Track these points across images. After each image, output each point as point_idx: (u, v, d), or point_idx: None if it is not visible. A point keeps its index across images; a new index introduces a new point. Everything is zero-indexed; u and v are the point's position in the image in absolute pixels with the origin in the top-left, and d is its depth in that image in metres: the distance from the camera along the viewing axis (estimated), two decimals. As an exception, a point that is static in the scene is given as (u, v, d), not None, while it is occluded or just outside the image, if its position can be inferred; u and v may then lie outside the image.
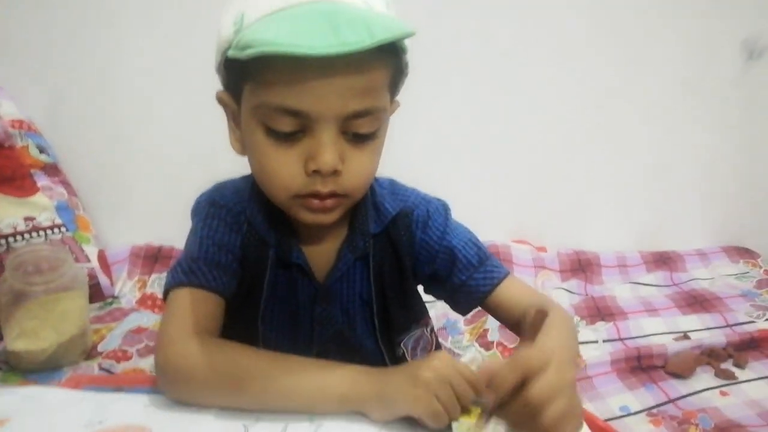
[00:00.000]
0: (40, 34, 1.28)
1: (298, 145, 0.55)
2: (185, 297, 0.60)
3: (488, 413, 0.51)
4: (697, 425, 0.99)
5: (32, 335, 1.05)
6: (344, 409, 0.54)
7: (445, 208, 0.72)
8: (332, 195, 0.57)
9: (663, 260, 1.63)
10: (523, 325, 0.65)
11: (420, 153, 1.44)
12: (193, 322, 0.58)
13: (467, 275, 0.68)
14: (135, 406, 0.57)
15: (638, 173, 1.66)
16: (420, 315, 0.75)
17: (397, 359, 0.71)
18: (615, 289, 1.50)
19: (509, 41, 1.47)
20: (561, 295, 1.45)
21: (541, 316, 0.61)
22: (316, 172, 0.55)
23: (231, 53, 0.52)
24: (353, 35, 0.48)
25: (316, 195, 0.57)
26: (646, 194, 1.68)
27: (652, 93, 1.59)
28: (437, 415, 0.50)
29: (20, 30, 1.28)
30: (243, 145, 0.61)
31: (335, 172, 0.55)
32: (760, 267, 1.63)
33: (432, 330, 0.79)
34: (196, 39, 1.29)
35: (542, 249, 1.59)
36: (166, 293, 0.62)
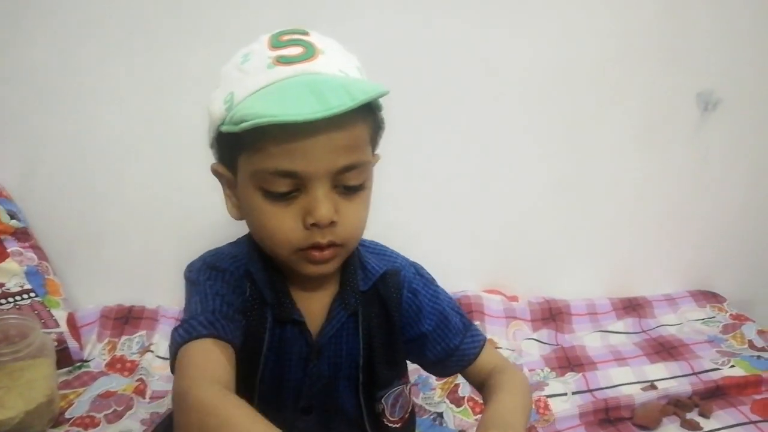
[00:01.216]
0: (12, 101, 1.30)
1: (295, 203, 0.61)
2: (205, 347, 0.59)
3: None
4: (662, 479, 1.00)
5: (-2, 405, 1.04)
6: None
7: (428, 274, 0.79)
8: (331, 245, 0.62)
9: (632, 306, 1.65)
10: (486, 387, 0.70)
11: (392, 205, 1.46)
12: (209, 373, 0.57)
13: (459, 339, 0.74)
14: None
15: (607, 221, 1.69)
16: (402, 371, 0.78)
17: (376, 415, 0.73)
18: (585, 338, 1.51)
19: (478, 96, 1.52)
20: (532, 345, 1.46)
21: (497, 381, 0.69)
22: (315, 225, 0.60)
23: (225, 128, 0.59)
24: (336, 99, 0.54)
25: (316, 246, 0.62)
26: (614, 242, 1.72)
27: (615, 145, 1.64)
28: None
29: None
30: (240, 211, 0.67)
31: (332, 224, 0.61)
32: (726, 311, 1.66)
33: (410, 389, 0.81)
34: (170, 106, 1.34)
35: (514, 298, 1.61)
36: (177, 349, 0.61)
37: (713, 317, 1.63)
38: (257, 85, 0.58)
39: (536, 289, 1.66)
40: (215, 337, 0.60)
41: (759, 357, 1.41)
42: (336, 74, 0.60)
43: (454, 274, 1.64)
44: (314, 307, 0.70)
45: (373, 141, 0.66)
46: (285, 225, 0.61)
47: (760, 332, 1.53)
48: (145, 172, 1.40)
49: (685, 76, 1.62)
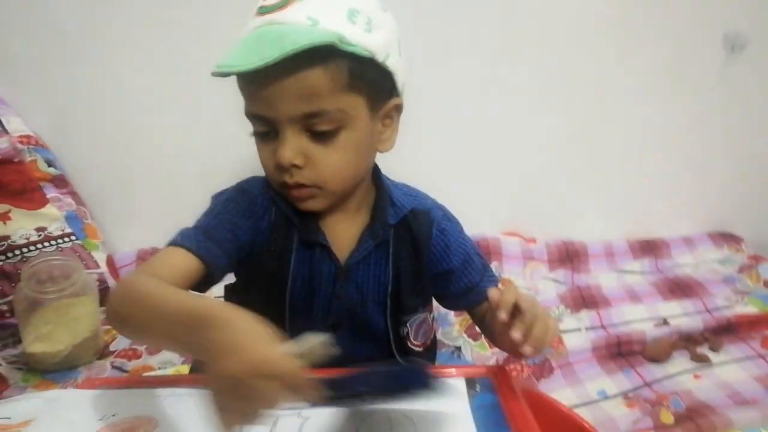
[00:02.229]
0: (44, 52, 1.34)
1: (272, 142, 0.66)
2: (172, 253, 0.67)
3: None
4: (668, 407, 1.05)
5: (48, 339, 1.13)
6: (184, 329, 0.50)
7: (454, 217, 0.83)
8: (301, 186, 0.67)
9: (649, 247, 1.67)
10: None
11: (416, 151, 1.48)
12: (154, 270, 0.65)
13: (480, 277, 0.80)
14: (144, 400, 0.63)
15: (627, 165, 1.71)
16: (427, 300, 0.84)
17: (401, 337, 0.80)
18: (600, 277, 1.56)
19: (498, 42, 1.52)
20: (548, 285, 1.51)
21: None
22: (279, 165, 0.66)
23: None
24: (268, 51, 0.58)
25: (287, 186, 0.68)
26: (633, 184, 1.73)
27: (637, 86, 1.63)
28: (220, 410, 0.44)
29: (24, 49, 1.33)
30: None
31: (295, 166, 0.65)
32: (744, 252, 1.68)
33: (433, 318, 0.88)
34: (198, 51, 1.36)
35: (532, 240, 1.65)
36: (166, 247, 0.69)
37: (730, 258, 1.65)
38: (240, 35, 0.65)
39: (555, 233, 1.69)
40: (188, 250, 0.67)
41: (773, 295, 1.44)
42: (298, 22, 0.61)
43: (474, 218, 1.67)
44: (344, 234, 0.75)
45: (357, 86, 0.65)
46: (267, 161, 0.68)
47: (776, 271, 1.55)
48: (170, 120, 1.44)
49: (713, 16, 1.58)
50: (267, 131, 0.66)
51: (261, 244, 0.73)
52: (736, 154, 1.73)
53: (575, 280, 1.55)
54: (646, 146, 1.70)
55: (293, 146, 0.65)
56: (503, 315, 0.60)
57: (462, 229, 0.83)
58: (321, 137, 0.65)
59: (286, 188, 0.69)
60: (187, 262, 0.67)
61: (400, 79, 0.70)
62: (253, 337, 0.45)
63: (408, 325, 0.80)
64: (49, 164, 1.34)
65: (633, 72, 1.61)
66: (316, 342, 0.48)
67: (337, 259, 0.74)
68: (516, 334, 0.60)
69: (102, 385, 0.69)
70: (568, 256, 1.61)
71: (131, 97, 1.41)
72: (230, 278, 0.80)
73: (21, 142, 1.31)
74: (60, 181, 1.36)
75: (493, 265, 1.53)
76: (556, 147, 1.65)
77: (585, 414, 1.04)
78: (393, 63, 0.67)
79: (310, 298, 0.75)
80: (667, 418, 1.01)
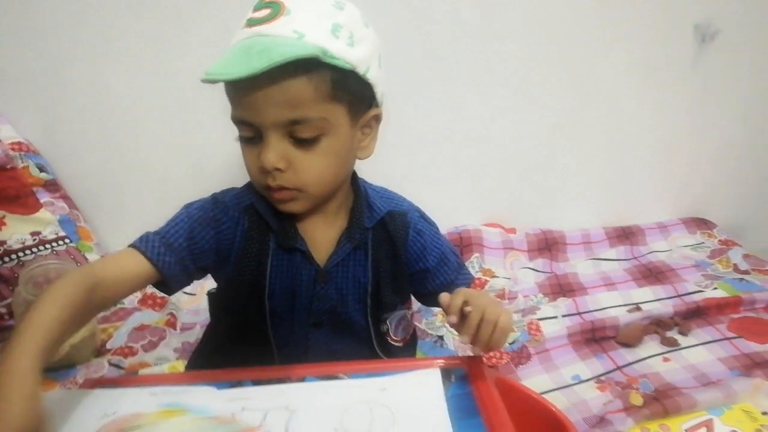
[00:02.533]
0: (33, 59, 1.37)
1: (257, 147, 0.70)
2: (127, 255, 0.72)
3: None
4: (638, 389, 1.11)
5: (47, 339, 1.17)
6: None
7: (430, 218, 0.88)
8: (283, 189, 0.71)
9: (625, 235, 1.74)
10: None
11: (400, 147, 1.53)
12: (101, 267, 0.69)
13: (455, 275, 0.86)
14: (143, 397, 0.66)
15: (604, 154, 1.76)
16: (406, 298, 0.89)
17: (381, 334, 0.85)
18: (578, 265, 1.62)
19: (479, 35, 1.56)
20: (527, 274, 1.57)
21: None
22: (262, 168, 0.69)
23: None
24: (257, 61, 0.61)
25: (270, 189, 0.71)
26: (611, 173, 1.79)
27: (613, 78, 1.67)
28: None
29: (12, 58, 1.36)
30: None
31: (278, 170, 0.69)
32: (716, 237, 1.74)
33: (412, 315, 0.93)
34: (187, 55, 1.40)
35: (512, 231, 1.70)
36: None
37: (702, 243, 1.72)
38: (230, 45, 0.68)
39: (534, 223, 1.76)
40: (143, 254, 0.71)
41: (742, 279, 1.51)
42: (285, 35, 0.65)
43: (457, 210, 1.74)
44: (323, 238, 0.79)
45: (335, 99, 0.68)
46: (251, 165, 0.72)
47: (746, 256, 1.62)
48: (159, 123, 1.48)
49: (684, 7, 1.63)
50: (252, 136, 0.70)
51: (237, 252, 0.77)
52: (709, 142, 1.79)
53: (553, 269, 1.61)
54: (623, 136, 1.75)
55: (277, 151, 0.68)
56: (452, 319, 0.65)
57: (438, 230, 0.88)
58: (303, 143, 0.69)
59: (269, 190, 0.72)
60: (138, 266, 0.71)
61: (380, 90, 0.74)
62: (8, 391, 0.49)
63: (388, 322, 0.84)
64: (41, 169, 1.38)
65: (609, 64, 1.66)
66: None
67: (316, 263, 0.78)
68: (463, 338, 0.66)
69: (103, 384, 0.72)
70: (547, 246, 1.67)
71: (121, 101, 1.44)
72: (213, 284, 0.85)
73: (13, 149, 1.34)
74: (52, 186, 1.39)
75: (475, 256, 1.59)
76: (536, 140, 1.71)
77: (559, 398, 1.10)
78: (373, 75, 0.71)
79: (290, 300, 0.79)
80: (637, 399, 1.07)
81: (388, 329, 0.85)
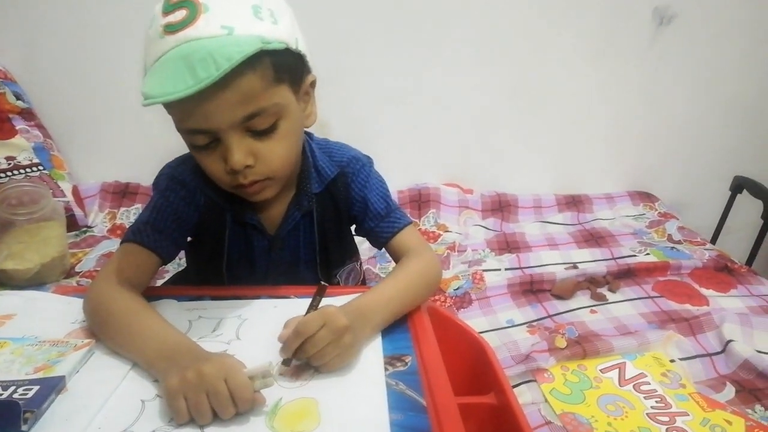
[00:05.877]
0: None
1: (216, 151, 0.70)
2: (130, 251, 0.76)
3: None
4: (563, 334, 1.22)
5: (19, 257, 1.23)
6: (145, 366, 0.63)
7: (369, 163, 0.90)
8: (255, 182, 0.72)
9: (574, 202, 1.85)
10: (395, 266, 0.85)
11: (365, 107, 1.59)
12: (120, 270, 0.73)
13: (375, 223, 0.87)
14: None
15: (558, 126, 1.86)
16: (352, 253, 0.96)
17: (334, 286, 0.90)
18: (526, 226, 1.72)
19: (441, 10, 1.63)
20: (478, 231, 1.68)
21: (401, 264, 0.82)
22: (231, 170, 0.70)
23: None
24: (204, 71, 0.58)
25: (242, 186, 0.72)
26: (565, 145, 1.90)
27: (571, 53, 1.77)
28: (177, 413, 0.54)
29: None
30: None
31: (248, 167, 0.69)
32: (657, 210, 1.87)
33: (360, 264, 1.01)
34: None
35: (469, 191, 1.80)
36: (121, 244, 0.78)
37: (644, 214, 1.84)
38: (152, 59, 0.64)
39: (492, 185, 1.86)
40: (141, 245, 0.75)
41: (673, 248, 1.63)
42: (216, 33, 0.62)
43: (419, 168, 1.83)
44: (274, 210, 0.83)
45: (279, 79, 0.68)
46: (214, 169, 0.71)
47: (681, 228, 1.74)
48: (135, 55, 1.51)
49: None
50: (209, 142, 0.68)
51: (197, 226, 0.82)
52: (660, 121, 1.90)
53: (503, 228, 1.71)
54: (579, 109, 1.85)
55: (241, 149, 0.68)
56: (287, 355, 0.62)
57: (369, 175, 0.87)
58: (263, 134, 0.69)
59: (241, 188, 0.73)
60: (145, 259, 0.75)
61: (307, 55, 0.74)
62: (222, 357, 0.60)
63: (338, 276, 0.92)
64: (18, 97, 1.42)
65: (568, 39, 1.75)
66: (266, 368, 0.58)
67: (268, 234, 0.84)
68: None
69: (73, 293, 0.79)
70: (500, 207, 1.77)
71: (101, 35, 1.47)
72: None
73: (-10, 76, 1.38)
74: (28, 114, 1.43)
75: (432, 212, 1.69)
76: (497, 107, 1.79)
77: (492, 337, 1.21)
78: (302, 45, 0.72)
79: (249, 268, 0.86)
80: (561, 342, 1.18)
81: (338, 282, 0.93)
